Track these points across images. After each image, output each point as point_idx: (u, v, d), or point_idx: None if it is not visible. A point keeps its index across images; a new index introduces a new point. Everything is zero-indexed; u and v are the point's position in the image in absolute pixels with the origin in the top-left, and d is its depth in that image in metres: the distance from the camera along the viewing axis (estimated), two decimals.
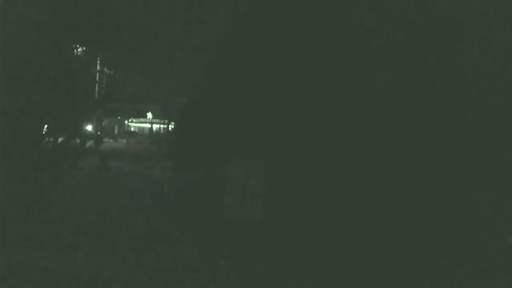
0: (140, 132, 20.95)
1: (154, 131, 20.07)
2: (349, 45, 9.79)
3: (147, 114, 19.85)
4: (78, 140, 10.52)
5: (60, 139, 10.45)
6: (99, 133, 10.80)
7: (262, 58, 10.40)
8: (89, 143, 10.64)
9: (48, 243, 9.75)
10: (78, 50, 10.89)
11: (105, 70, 12.37)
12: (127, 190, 13.89)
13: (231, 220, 10.34)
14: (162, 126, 19.29)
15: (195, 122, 11.40)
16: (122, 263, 9.18)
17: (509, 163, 9.09)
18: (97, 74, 12.11)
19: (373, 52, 9.63)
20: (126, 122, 20.31)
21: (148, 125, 20.53)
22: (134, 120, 20.59)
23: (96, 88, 11.98)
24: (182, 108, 13.04)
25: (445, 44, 9.50)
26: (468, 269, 8.77)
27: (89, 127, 10.86)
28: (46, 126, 10.44)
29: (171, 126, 17.99)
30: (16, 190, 9.55)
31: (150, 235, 10.65)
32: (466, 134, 9.24)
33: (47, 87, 9.94)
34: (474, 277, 8.70)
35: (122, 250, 9.76)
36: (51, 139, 10.36)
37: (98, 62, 12.13)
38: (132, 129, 20.84)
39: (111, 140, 11.99)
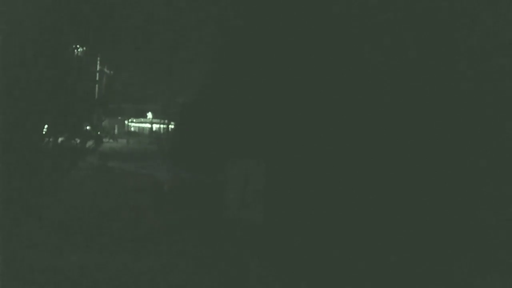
0: (140, 132, 20.93)
1: (154, 131, 20.06)
2: (349, 45, 9.79)
3: (147, 114, 19.84)
4: (78, 140, 10.52)
5: (60, 139, 10.44)
6: (99, 133, 10.78)
7: (263, 58, 10.40)
8: (89, 143, 10.64)
9: (48, 243, 9.74)
10: (78, 50, 10.88)
11: (105, 70, 12.37)
12: (127, 190, 13.89)
13: (231, 220, 10.34)
14: (162, 126, 19.29)
15: (195, 122, 11.40)
16: (122, 263, 9.17)
17: (509, 163, 9.08)
18: (97, 74, 12.11)
19: (373, 52, 9.63)
20: (126, 122, 20.29)
21: (148, 125, 20.52)
22: (134, 120, 20.58)
23: (96, 88, 11.97)
24: (182, 108, 13.03)
25: (445, 43, 9.50)
26: (468, 269, 8.77)
27: (89, 127, 10.84)
28: (46, 126, 10.43)
29: (171, 126, 17.99)
30: (16, 190, 9.55)
31: (150, 235, 10.65)
32: (467, 134, 9.23)
33: (47, 87, 9.93)
34: (474, 277, 8.69)
35: (122, 250, 9.76)
36: (51, 139, 10.36)
37: (98, 62, 12.12)
38: (132, 129, 20.83)
39: (111, 140, 11.98)
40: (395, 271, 8.85)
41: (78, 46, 10.78)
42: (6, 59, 9.56)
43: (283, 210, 9.89)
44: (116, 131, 19.30)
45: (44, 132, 10.42)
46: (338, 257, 9.17)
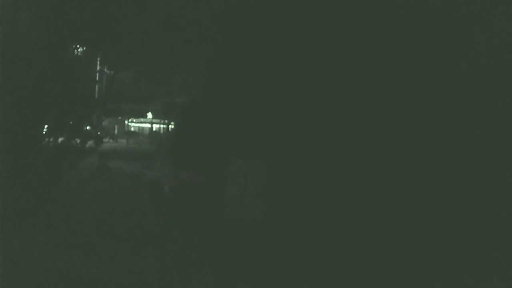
0: (140, 132, 20.90)
1: (154, 131, 20.04)
2: (350, 45, 9.78)
3: (147, 114, 19.82)
4: (78, 140, 10.51)
5: (60, 139, 10.44)
6: (99, 133, 10.78)
7: (263, 57, 10.40)
8: (89, 143, 10.63)
9: (48, 243, 9.74)
10: (78, 50, 10.88)
11: (105, 70, 12.35)
12: (127, 190, 13.88)
13: (231, 220, 10.33)
14: (162, 126, 19.27)
15: (195, 122, 11.39)
16: (122, 263, 9.17)
17: (510, 163, 9.08)
18: (97, 74, 12.09)
19: (374, 52, 9.63)
20: (126, 122, 20.27)
21: (148, 125, 20.50)
22: (134, 120, 20.55)
23: (96, 88, 11.96)
24: (182, 108, 13.02)
25: (445, 43, 9.49)
26: (468, 270, 8.76)
27: (89, 127, 10.84)
28: (46, 126, 10.43)
29: (171, 126, 17.97)
30: (16, 190, 9.55)
31: (150, 235, 10.64)
32: (467, 135, 9.23)
33: (47, 87, 9.93)
34: (474, 278, 8.69)
35: (122, 250, 9.75)
36: (51, 139, 10.35)
37: (98, 62, 12.10)
38: (132, 129, 20.80)
39: (111, 140, 11.98)
40: (395, 271, 8.85)
41: (78, 46, 10.77)
42: (6, 59, 9.56)
43: (283, 210, 9.88)
44: (116, 131, 19.28)
45: (44, 132, 10.42)
46: (338, 257, 9.16)
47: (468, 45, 9.37)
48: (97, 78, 12.08)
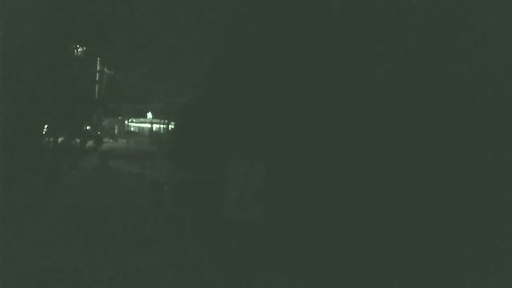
0: (140, 132, 20.91)
1: (154, 131, 20.04)
2: (350, 46, 9.79)
3: (147, 114, 19.83)
4: (78, 140, 10.52)
5: (60, 139, 10.44)
6: (99, 133, 10.78)
7: (263, 58, 10.40)
8: (89, 143, 10.63)
9: (48, 243, 9.75)
10: (78, 50, 10.88)
11: (105, 70, 12.35)
12: (127, 190, 13.89)
13: (231, 219, 10.34)
14: (162, 126, 19.28)
15: (195, 122, 11.40)
16: (122, 263, 9.17)
17: (509, 163, 9.08)
18: (97, 74, 12.09)
19: (374, 53, 9.63)
20: (126, 122, 20.27)
21: (148, 125, 20.50)
22: (134, 120, 20.56)
23: (96, 88, 11.96)
24: (182, 108, 13.04)
25: (444, 43, 9.50)
26: (468, 269, 8.77)
27: (89, 127, 10.84)
28: (46, 126, 10.43)
29: (171, 126, 17.98)
30: (16, 190, 9.55)
31: (150, 235, 10.65)
32: (467, 135, 9.23)
33: (47, 87, 9.93)
34: (473, 277, 8.69)
35: (122, 250, 9.76)
36: (51, 139, 10.36)
37: (98, 62, 12.11)
38: (132, 129, 20.81)
39: (111, 140, 11.99)
40: (395, 270, 8.85)
41: (78, 46, 10.78)
42: (6, 59, 9.56)
43: (283, 210, 9.89)
44: (116, 131, 19.28)
45: (44, 132, 10.42)
46: (338, 257, 9.17)
47: (467, 45, 9.38)
48: (97, 78, 12.08)
